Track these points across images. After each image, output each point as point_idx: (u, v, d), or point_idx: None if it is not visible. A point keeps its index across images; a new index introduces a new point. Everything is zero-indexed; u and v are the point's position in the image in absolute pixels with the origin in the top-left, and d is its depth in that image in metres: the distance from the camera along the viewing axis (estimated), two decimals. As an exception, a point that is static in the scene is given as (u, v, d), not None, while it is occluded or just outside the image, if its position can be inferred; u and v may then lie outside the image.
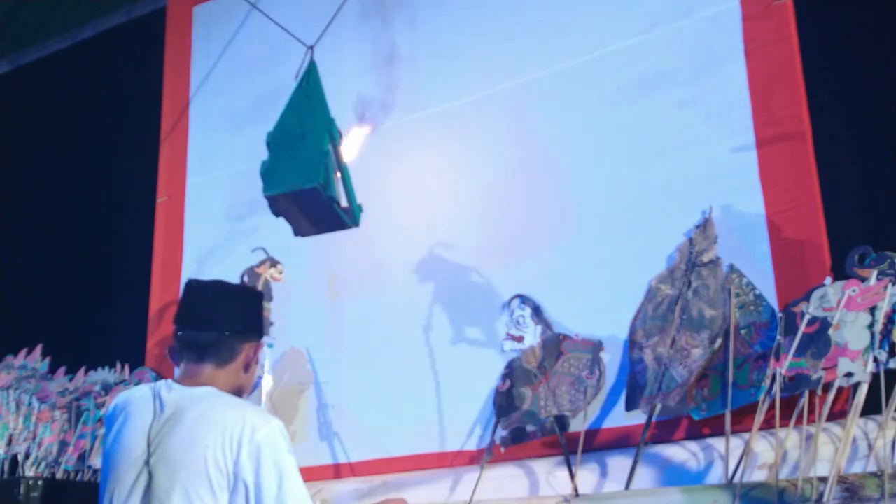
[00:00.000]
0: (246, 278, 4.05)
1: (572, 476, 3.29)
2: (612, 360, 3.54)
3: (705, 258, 3.41)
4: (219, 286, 2.37)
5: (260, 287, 3.97)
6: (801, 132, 3.42)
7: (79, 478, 4.47)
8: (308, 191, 2.90)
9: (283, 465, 2.11)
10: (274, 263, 4.07)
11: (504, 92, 4.18)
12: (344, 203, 3.06)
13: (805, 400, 2.98)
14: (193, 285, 2.34)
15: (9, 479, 4.32)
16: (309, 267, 4.47)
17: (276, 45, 4.19)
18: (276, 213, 3.04)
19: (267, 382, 4.18)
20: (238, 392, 2.26)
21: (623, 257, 3.68)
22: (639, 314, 3.47)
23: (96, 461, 4.46)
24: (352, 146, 3.23)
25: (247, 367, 2.27)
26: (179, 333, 2.27)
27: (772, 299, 3.26)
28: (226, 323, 2.26)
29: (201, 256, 4.86)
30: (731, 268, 3.35)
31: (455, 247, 4.10)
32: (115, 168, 5.49)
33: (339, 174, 3.04)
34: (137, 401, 2.25)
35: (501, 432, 3.58)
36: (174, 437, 2.11)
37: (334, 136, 3.03)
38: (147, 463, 2.11)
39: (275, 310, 4.38)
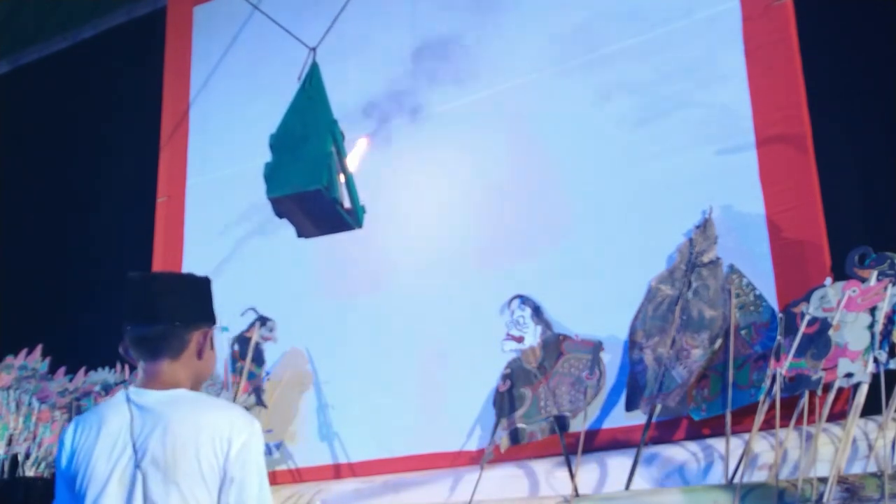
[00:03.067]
0: (236, 347, 3.95)
1: (572, 476, 3.29)
2: (612, 360, 3.55)
3: (705, 258, 3.41)
4: (161, 277, 2.41)
5: (250, 353, 3.84)
6: (801, 132, 3.42)
7: (79, 478, 4.46)
8: (311, 192, 2.90)
9: (262, 466, 2.17)
10: (264, 322, 3.95)
11: (504, 92, 4.18)
12: (347, 204, 3.06)
13: (805, 400, 2.99)
14: (135, 278, 2.32)
15: (9, 480, 4.32)
16: (310, 267, 4.48)
17: (277, 45, 4.18)
18: (280, 215, 3.04)
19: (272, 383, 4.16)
20: (197, 380, 2.29)
21: (623, 257, 3.68)
22: (639, 314, 3.48)
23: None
24: (356, 153, 3.23)
25: (199, 354, 2.28)
26: (128, 328, 2.27)
27: (772, 299, 3.26)
28: (172, 313, 2.25)
29: (201, 257, 4.86)
30: (731, 268, 3.35)
31: (454, 247, 4.10)
32: (115, 168, 5.49)
33: (342, 176, 3.04)
34: (106, 411, 2.24)
35: (501, 432, 3.58)
36: (164, 440, 2.12)
37: (337, 137, 3.03)
38: (137, 466, 2.12)
39: (276, 309, 4.37)
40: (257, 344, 3.90)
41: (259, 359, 3.88)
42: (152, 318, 2.24)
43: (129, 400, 2.19)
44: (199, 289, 2.36)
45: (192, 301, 2.31)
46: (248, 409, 3.74)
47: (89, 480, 2.16)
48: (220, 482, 2.09)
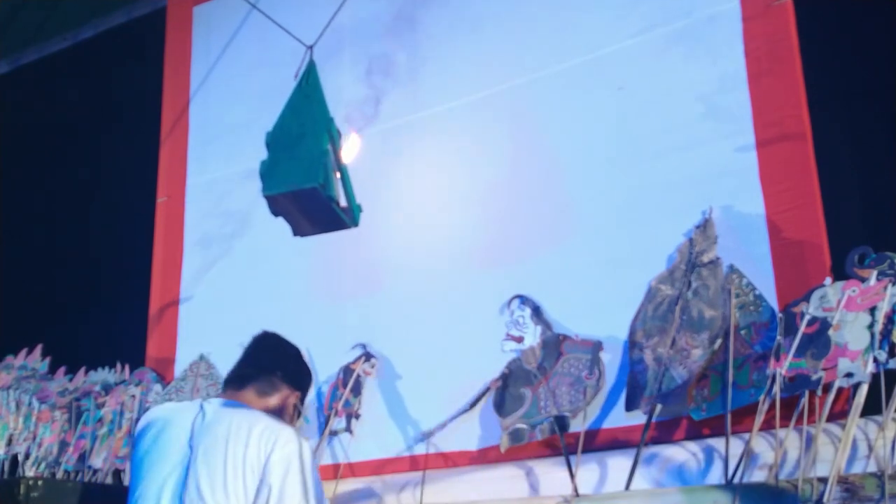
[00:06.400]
0: (341, 375, 4.12)
1: (572, 476, 3.29)
2: (612, 360, 3.54)
3: (705, 258, 3.40)
4: (273, 336, 2.64)
5: (352, 382, 4.05)
6: (801, 132, 3.42)
7: (79, 478, 4.47)
8: (307, 191, 2.91)
9: (308, 481, 2.33)
10: (368, 358, 4.11)
11: (503, 92, 4.17)
12: (343, 203, 3.07)
13: (805, 400, 2.98)
14: (256, 337, 2.62)
15: (9, 479, 4.32)
16: (308, 267, 4.47)
17: (275, 44, 4.19)
18: (276, 213, 3.05)
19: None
20: None
21: (623, 257, 3.68)
22: (639, 314, 3.47)
23: (96, 461, 4.47)
24: (351, 148, 3.24)
25: (282, 410, 2.50)
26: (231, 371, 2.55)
27: (772, 299, 3.26)
28: (273, 364, 2.52)
29: (201, 257, 4.87)
30: (731, 268, 3.35)
31: (454, 247, 4.10)
32: (115, 168, 5.49)
33: (338, 174, 3.04)
34: (180, 409, 2.50)
35: (501, 433, 3.58)
36: (216, 431, 2.34)
37: (333, 135, 3.03)
38: (190, 445, 2.35)
39: (275, 310, 4.37)
40: (358, 376, 4.06)
41: (357, 390, 4.06)
42: (253, 364, 2.53)
43: (201, 406, 2.43)
44: (301, 363, 2.64)
45: (291, 363, 2.59)
46: (336, 432, 4.00)
47: (151, 466, 2.38)
48: (258, 481, 2.28)
